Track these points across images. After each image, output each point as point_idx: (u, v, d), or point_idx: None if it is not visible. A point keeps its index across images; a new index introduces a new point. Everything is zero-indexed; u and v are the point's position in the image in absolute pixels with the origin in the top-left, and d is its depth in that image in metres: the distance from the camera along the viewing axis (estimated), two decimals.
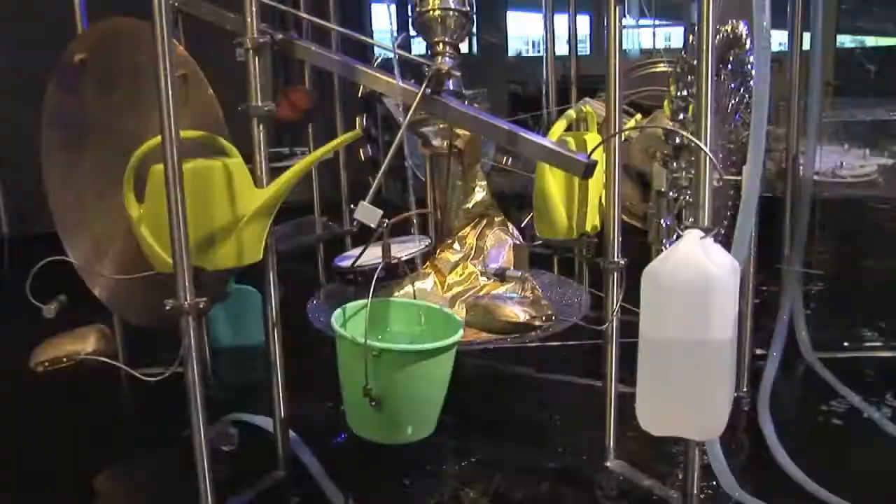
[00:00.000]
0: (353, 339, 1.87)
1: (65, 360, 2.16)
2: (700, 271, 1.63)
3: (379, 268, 2.79)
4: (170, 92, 1.73)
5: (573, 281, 3.11)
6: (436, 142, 2.90)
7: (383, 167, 1.99)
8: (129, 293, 2.48)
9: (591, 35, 9.70)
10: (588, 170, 1.82)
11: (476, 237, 2.90)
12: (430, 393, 1.95)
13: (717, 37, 2.54)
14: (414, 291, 2.58)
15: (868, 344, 3.10)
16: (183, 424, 1.87)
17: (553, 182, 2.16)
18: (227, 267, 1.97)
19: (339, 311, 2.03)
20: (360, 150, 3.35)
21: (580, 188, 2.19)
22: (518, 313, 2.03)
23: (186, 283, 1.81)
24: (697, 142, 1.70)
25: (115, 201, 2.48)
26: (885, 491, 2.15)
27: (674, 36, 10.84)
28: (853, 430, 2.45)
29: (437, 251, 2.90)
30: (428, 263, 2.87)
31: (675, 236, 2.07)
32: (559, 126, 2.15)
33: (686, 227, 1.70)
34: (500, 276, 2.20)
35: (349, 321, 2.04)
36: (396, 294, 2.80)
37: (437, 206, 2.98)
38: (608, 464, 2.27)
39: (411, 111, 1.91)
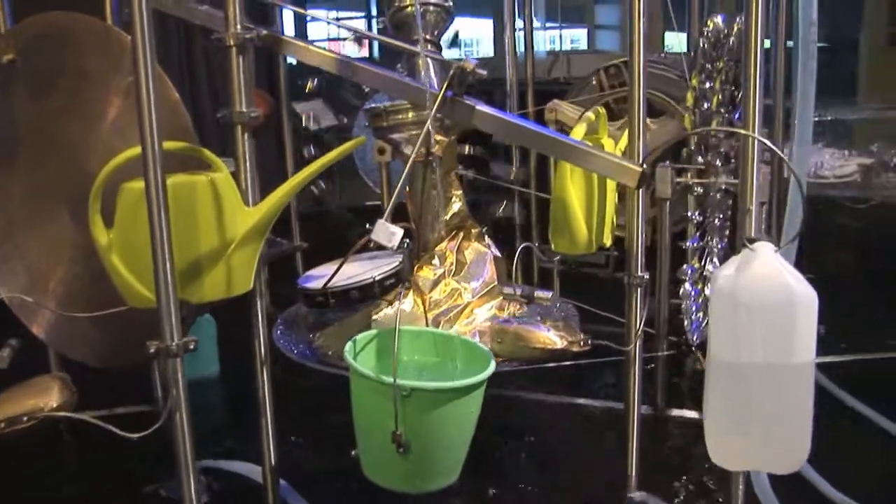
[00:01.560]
0: (379, 378, 1.62)
1: (25, 419, 1.80)
2: (783, 287, 1.44)
3: (352, 289, 2.57)
4: (151, 98, 1.46)
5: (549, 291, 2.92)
6: (407, 149, 2.66)
7: (398, 189, 1.74)
8: (77, 330, 2.16)
9: (494, 38, 9.61)
10: (643, 179, 1.61)
11: (455, 251, 2.67)
12: (462, 434, 1.72)
13: (706, 31, 2.39)
14: (398, 314, 2.33)
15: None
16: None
17: (574, 193, 1.95)
18: (214, 299, 1.69)
19: (349, 343, 1.77)
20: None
21: (599, 199, 1.98)
22: (554, 339, 1.82)
23: (173, 321, 1.54)
24: (766, 141, 1.52)
25: (54, 224, 2.17)
26: None
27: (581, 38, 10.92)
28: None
29: (415, 268, 2.66)
30: (407, 281, 2.63)
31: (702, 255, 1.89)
32: (580, 130, 1.94)
33: (750, 240, 1.51)
34: (528, 297, 1.97)
35: (360, 355, 1.79)
36: (375, 317, 2.56)
37: (412, 218, 2.74)
38: (631, 495, 2.07)
39: (431, 114, 1.67)
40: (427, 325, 2.55)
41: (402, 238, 1.66)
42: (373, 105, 2.66)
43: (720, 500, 2.04)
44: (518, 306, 2.59)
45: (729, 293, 1.48)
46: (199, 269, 1.65)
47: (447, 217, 2.68)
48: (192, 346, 1.57)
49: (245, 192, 1.75)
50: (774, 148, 1.57)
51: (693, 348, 2.28)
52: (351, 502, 2.07)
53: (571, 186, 1.94)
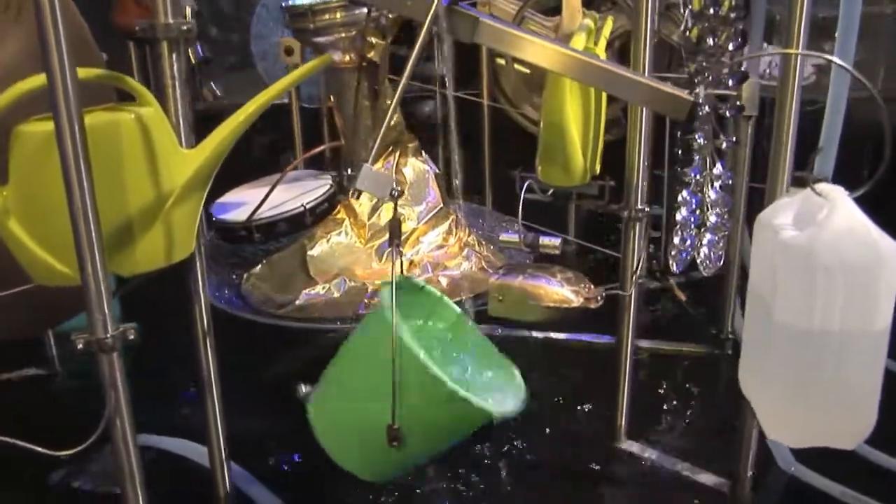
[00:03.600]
0: (431, 370, 1.27)
1: None
2: (870, 245, 1.20)
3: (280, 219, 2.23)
4: (56, 8, 1.06)
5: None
6: (336, 55, 2.28)
7: (389, 115, 1.40)
8: None
9: None
10: (693, 110, 1.33)
11: (393, 171, 2.34)
12: (460, 432, 1.43)
13: None
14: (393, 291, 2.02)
15: None
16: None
17: (573, 117, 1.64)
18: (150, 269, 1.33)
19: (385, 294, 1.33)
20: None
21: (595, 122, 1.69)
22: (569, 296, 1.54)
23: (105, 306, 1.19)
24: None
25: None
26: None
27: None
28: None
29: (349, 191, 2.32)
30: (340, 208, 2.29)
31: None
32: (579, 39, 1.63)
33: (814, 180, 1.26)
34: (533, 246, 1.68)
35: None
36: (311, 253, 2.23)
37: (341, 133, 2.38)
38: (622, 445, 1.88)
39: (425, 28, 1.31)
40: (366, 258, 2.25)
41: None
42: (294, 2, 2.25)
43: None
44: (468, 232, 2.31)
45: (805, 252, 1.22)
46: (130, 232, 1.28)
47: (384, 131, 2.32)
48: (131, 336, 1.23)
49: (178, 131, 1.37)
50: (841, 63, 1.31)
51: (669, 279, 2.07)
52: (313, 481, 1.78)
53: (570, 109, 1.63)
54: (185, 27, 1.35)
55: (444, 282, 2.19)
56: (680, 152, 1.85)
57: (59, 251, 1.25)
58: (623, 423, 1.90)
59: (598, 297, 1.57)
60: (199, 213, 1.37)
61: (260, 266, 2.22)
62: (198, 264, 1.47)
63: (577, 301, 1.56)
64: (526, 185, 1.68)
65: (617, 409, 1.91)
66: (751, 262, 1.34)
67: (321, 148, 2.34)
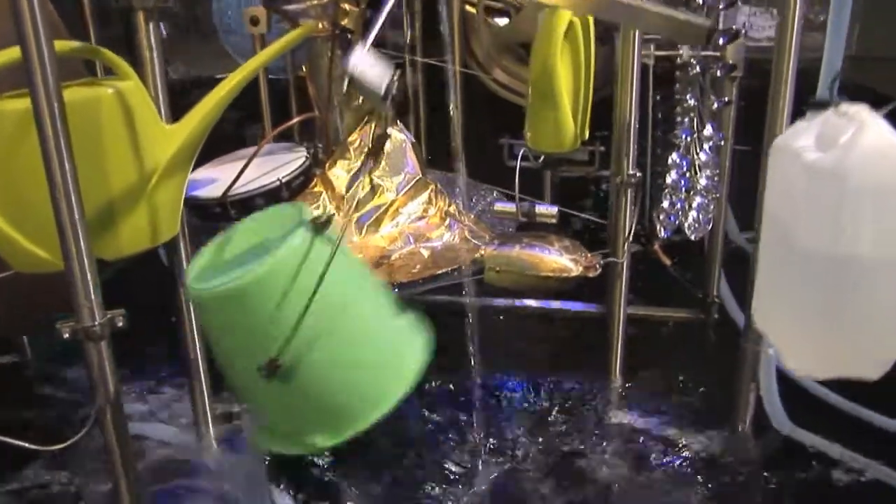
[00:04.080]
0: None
1: None
2: None
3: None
4: None
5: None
6: (308, 23, 2.20)
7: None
8: None
9: None
10: (711, 35, 1.26)
11: (368, 140, 2.27)
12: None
13: None
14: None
15: None
16: None
17: (564, 80, 1.59)
18: (135, 251, 1.27)
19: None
20: None
21: (586, 83, 1.64)
22: (568, 265, 1.50)
23: (91, 291, 1.13)
24: None
25: None
26: None
27: None
28: None
29: (325, 164, 2.26)
30: (317, 181, 2.22)
31: None
32: None
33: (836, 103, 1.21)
34: (529, 215, 1.63)
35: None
36: None
37: (315, 104, 2.30)
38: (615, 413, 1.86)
39: None
40: (350, 231, 2.19)
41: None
42: None
43: None
44: (448, 202, 2.26)
45: (832, 174, 1.16)
46: (113, 213, 1.22)
47: (359, 102, 2.26)
48: (119, 323, 1.17)
49: (158, 106, 1.30)
50: None
51: (654, 243, 2.04)
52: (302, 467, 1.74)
53: (562, 69, 1.58)
54: None
55: (425, 253, 2.14)
56: (664, 114, 1.82)
57: (39, 236, 1.20)
58: (617, 391, 1.88)
59: (597, 266, 1.54)
60: (183, 192, 1.31)
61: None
62: (181, 245, 1.41)
63: (576, 270, 1.53)
64: (521, 152, 1.63)
65: (609, 377, 1.89)
66: (766, 189, 1.28)
67: (296, 120, 2.27)
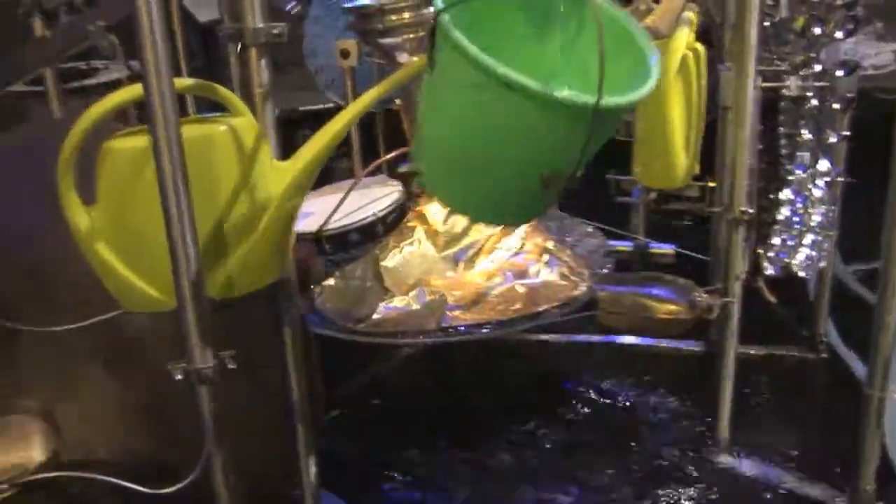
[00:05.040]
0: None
1: (3, 486, 1.23)
2: None
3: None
4: (155, 16, 0.98)
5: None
6: (403, 57, 2.18)
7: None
8: None
9: None
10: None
11: None
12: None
13: None
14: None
15: None
16: None
17: (677, 114, 1.54)
18: (246, 291, 1.24)
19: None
20: None
21: (697, 115, 1.59)
22: (683, 307, 1.44)
23: (204, 334, 1.10)
24: None
25: None
26: None
27: None
28: None
29: (419, 198, 2.23)
30: (411, 216, 2.20)
31: None
32: (682, 34, 1.52)
33: None
34: (643, 252, 1.58)
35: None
36: (384, 263, 2.14)
37: (409, 137, 2.28)
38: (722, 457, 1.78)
39: None
40: (442, 267, 2.15)
41: None
42: (359, 3, 2.16)
43: None
44: (545, 237, 2.21)
45: None
46: (225, 252, 1.20)
47: None
48: (230, 365, 1.14)
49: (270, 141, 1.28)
50: None
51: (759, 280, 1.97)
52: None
53: (676, 103, 1.53)
54: (275, 31, 1.27)
55: (523, 290, 2.09)
56: (781, 148, 1.75)
57: (150, 275, 1.18)
58: (724, 433, 1.81)
59: (715, 308, 1.47)
60: (293, 230, 1.29)
61: (333, 279, 2.13)
62: (290, 283, 1.38)
63: (691, 313, 1.46)
64: (635, 189, 1.57)
65: (718, 419, 1.81)
66: None
67: (393, 154, 2.25)
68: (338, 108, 3.32)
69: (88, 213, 1.18)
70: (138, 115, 1.51)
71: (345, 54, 2.76)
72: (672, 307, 1.44)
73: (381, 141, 2.87)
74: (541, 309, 1.98)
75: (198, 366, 1.11)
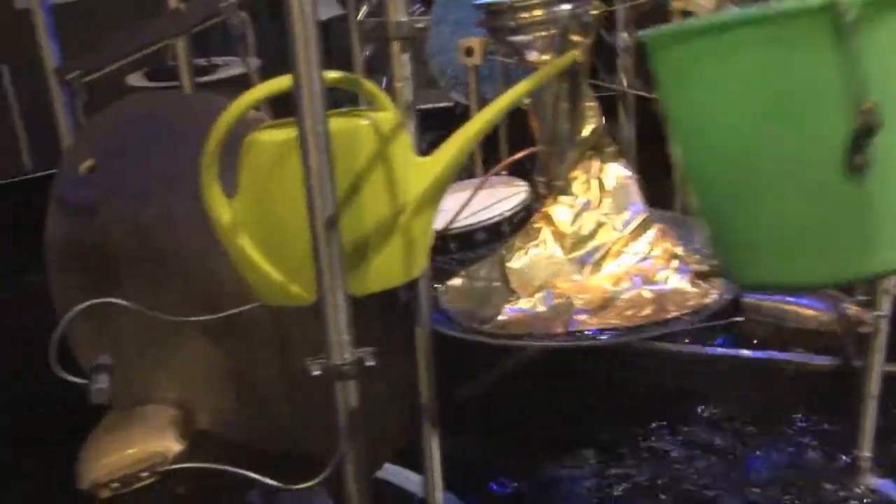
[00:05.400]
0: None
1: (145, 474, 1.28)
2: None
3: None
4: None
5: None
6: (532, 55, 2.14)
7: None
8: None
9: None
10: None
11: (593, 176, 2.19)
12: None
13: None
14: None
15: None
16: None
17: None
18: (385, 287, 1.23)
19: None
20: None
21: None
22: (832, 318, 1.36)
23: (343, 327, 1.09)
24: None
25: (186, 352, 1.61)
26: None
27: None
28: None
29: (545, 199, 2.19)
30: (538, 217, 2.16)
31: None
32: None
33: None
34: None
35: None
36: (509, 265, 2.10)
37: (538, 139, 2.25)
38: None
39: None
40: (568, 269, 2.11)
41: None
42: (490, 0, 2.13)
43: None
44: (674, 243, 2.14)
45: None
46: (365, 248, 1.18)
47: (583, 136, 2.18)
48: (370, 362, 1.12)
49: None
50: None
51: None
52: None
53: None
54: (418, 25, 1.25)
55: (651, 296, 2.03)
56: None
57: (289, 269, 1.17)
58: (866, 454, 1.71)
59: (867, 321, 1.38)
60: (432, 227, 1.26)
61: (458, 278, 2.11)
62: (422, 283, 1.36)
63: (840, 325, 1.38)
64: None
65: (860, 439, 1.72)
66: None
67: (522, 154, 2.22)
68: (460, 108, 3.31)
69: (230, 205, 1.17)
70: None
71: (468, 52, 2.74)
72: (819, 317, 1.36)
73: (502, 140, 2.84)
74: (671, 316, 1.91)
75: (336, 362, 1.10)
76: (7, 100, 4.57)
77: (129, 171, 1.63)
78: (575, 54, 1.51)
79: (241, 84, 1.62)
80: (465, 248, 2.08)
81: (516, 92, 1.24)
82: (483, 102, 2.51)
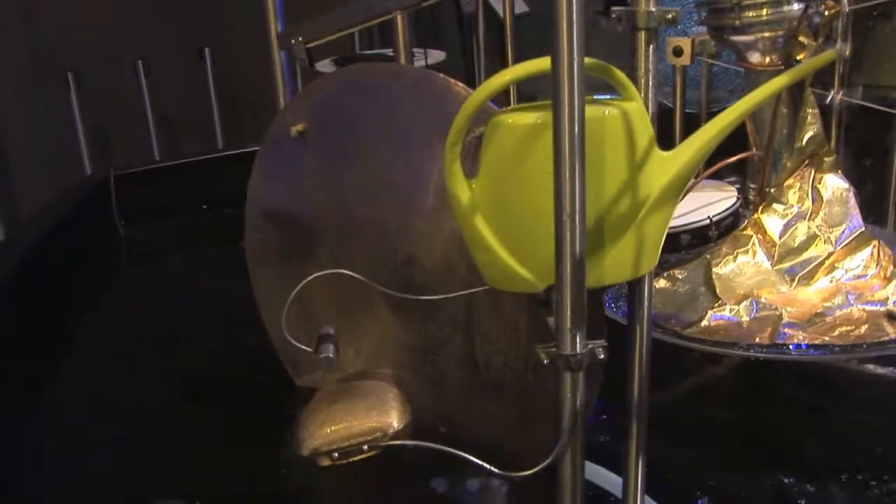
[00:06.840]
0: None
1: (365, 447, 1.24)
2: None
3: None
4: None
5: None
6: (755, 57, 2.08)
7: None
8: None
9: None
10: None
11: (809, 186, 2.10)
12: None
13: None
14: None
15: None
16: None
17: None
18: (615, 282, 1.21)
19: None
20: None
21: None
22: None
23: (581, 320, 1.07)
24: None
25: (371, 325, 1.67)
26: None
27: None
28: None
29: (758, 207, 2.12)
30: (747, 223, 2.09)
31: None
32: None
33: None
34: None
35: None
36: (716, 270, 2.04)
37: (753, 144, 2.18)
38: None
39: None
40: (775, 280, 2.03)
41: None
42: None
43: None
44: (892, 260, 2.02)
45: None
46: (602, 239, 1.17)
47: (802, 143, 2.09)
48: (601, 355, 1.11)
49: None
50: None
51: None
52: None
53: None
54: (669, 16, 1.22)
55: (863, 314, 1.92)
56: None
57: (523, 254, 1.17)
58: None
59: None
60: (668, 224, 1.23)
61: (663, 280, 2.07)
62: (646, 281, 1.33)
63: None
64: None
65: None
66: None
67: (736, 158, 2.16)
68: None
69: (470, 185, 1.18)
70: None
71: (677, 52, 2.68)
72: None
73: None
74: (889, 338, 1.81)
75: (567, 352, 1.09)
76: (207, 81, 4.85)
77: (337, 139, 1.67)
78: (832, 53, 1.44)
79: None
80: (669, 249, 2.04)
81: (773, 85, 1.19)
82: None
